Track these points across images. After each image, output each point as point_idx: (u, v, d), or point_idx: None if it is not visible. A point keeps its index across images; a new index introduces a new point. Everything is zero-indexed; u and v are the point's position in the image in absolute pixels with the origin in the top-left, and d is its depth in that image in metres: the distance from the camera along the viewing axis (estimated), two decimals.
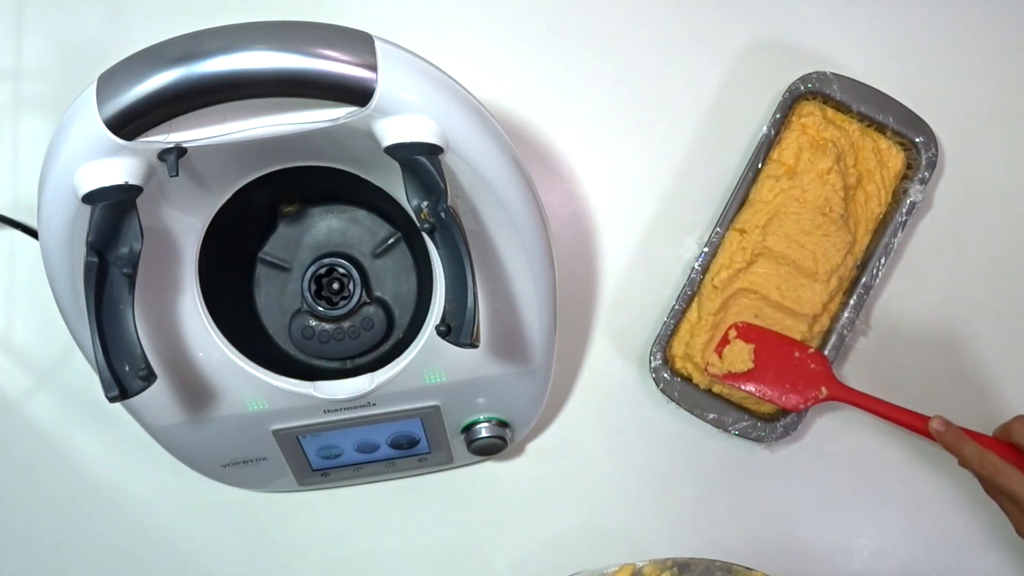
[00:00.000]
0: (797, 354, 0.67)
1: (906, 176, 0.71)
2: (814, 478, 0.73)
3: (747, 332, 0.67)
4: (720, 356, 0.67)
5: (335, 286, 0.64)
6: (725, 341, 0.68)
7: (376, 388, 0.59)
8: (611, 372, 0.73)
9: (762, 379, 0.67)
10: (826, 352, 0.70)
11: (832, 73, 0.71)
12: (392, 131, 0.48)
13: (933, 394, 0.73)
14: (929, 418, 0.63)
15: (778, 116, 0.71)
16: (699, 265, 0.70)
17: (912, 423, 0.64)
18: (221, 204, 0.57)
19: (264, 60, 0.45)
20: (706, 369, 0.68)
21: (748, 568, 0.38)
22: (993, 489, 0.60)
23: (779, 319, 0.69)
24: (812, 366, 0.66)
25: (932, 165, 0.71)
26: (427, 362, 0.59)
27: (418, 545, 0.72)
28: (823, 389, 0.66)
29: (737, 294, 0.70)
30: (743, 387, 0.67)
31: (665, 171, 0.74)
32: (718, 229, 0.70)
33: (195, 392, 0.59)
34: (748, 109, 0.73)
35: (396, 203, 0.59)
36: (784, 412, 0.70)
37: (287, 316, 0.64)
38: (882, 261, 0.70)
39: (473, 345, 0.48)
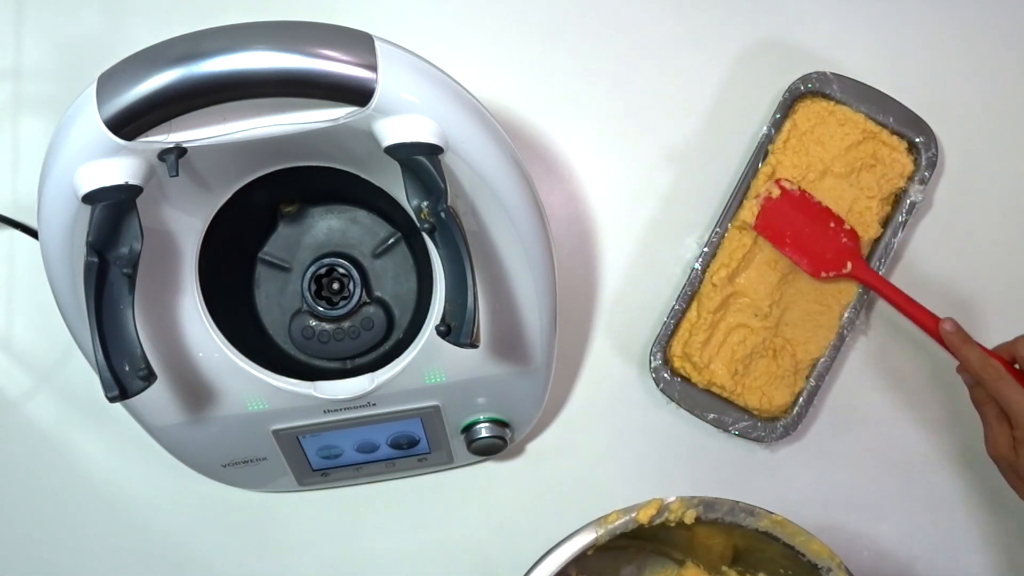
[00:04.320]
0: (832, 224, 0.67)
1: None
2: (814, 478, 0.73)
3: (788, 194, 0.67)
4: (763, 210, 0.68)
5: (335, 286, 0.64)
6: (769, 197, 0.68)
7: (376, 388, 0.59)
8: (611, 372, 0.73)
9: (794, 241, 0.67)
10: (826, 351, 0.70)
11: (832, 73, 0.71)
12: (392, 131, 0.48)
13: (933, 393, 0.73)
14: (941, 319, 0.64)
15: (778, 116, 0.71)
16: (699, 265, 0.70)
17: (924, 320, 0.65)
18: (221, 204, 0.57)
19: (264, 60, 0.45)
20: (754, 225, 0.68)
21: (769, 511, 0.40)
22: (983, 397, 0.61)
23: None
24: (843, 240, 0.67)
25: (932, 165, 0.71)
26: (427, 362, 0.59)
27: (418, 545, 0.72)
28: (848, 264, 0.66)
29: (736, 293, 0.70)
30: (775, 244, 0.67)
31: (665, 171, 0.74)
32: (718, 229, 0.70)
33: (195, 392, 0.59)
34: (748, 109, 0.73)
35: (396, 203, 0.59)
36: (784, 412, 0.70)
37: (287, 316, 0.64)
38: (882, 261, 0.70)
39: (473, 345, 0.48)
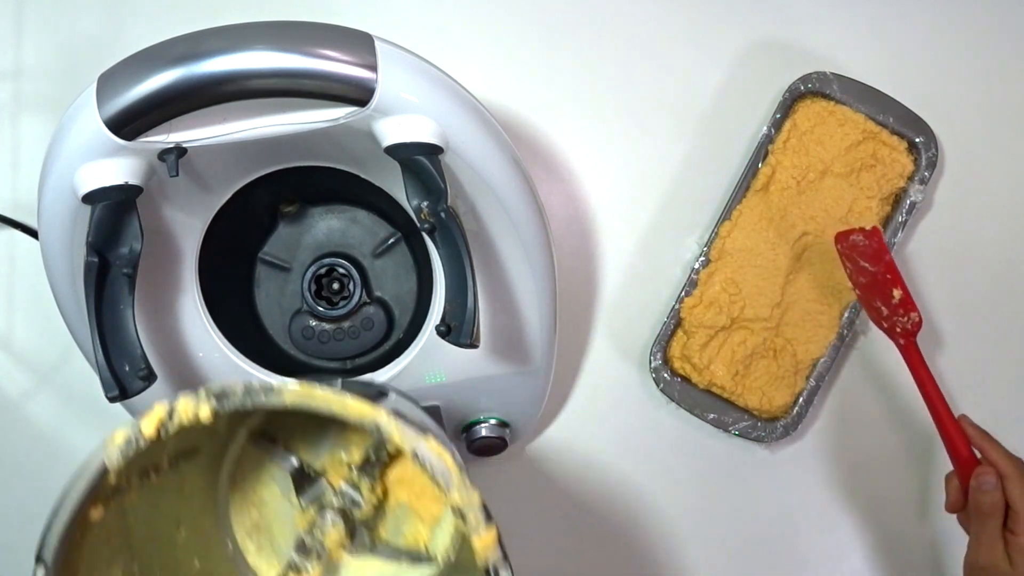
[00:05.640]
0: (897, 295, 0.64)
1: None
2: (814, 478, 0.73)
3: (876, 235, 0.63)
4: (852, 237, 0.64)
5: (335, 286, 0.64)
6: (853, 232, 0.64)
7: None
8: (611, 372, 0.73)
9: (865, 285, 0.65)
10: (826, 351, 0.70)
11: (832, 73, 0.71)
12: (392, 131, 0.48)
13: None
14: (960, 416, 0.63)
15: (778, 116, 0.71)
16: (699, 265, 0.70)
17: (946, 420, 0.62)
18: (221, 204, 0.57)
19: (264, 60, 0.45)
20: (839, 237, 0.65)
21: (290, 386, 0.35)
22: (989, 507, 0.58)
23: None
24: (903, 317, 0.64)
25: (932, 165, 0.71)
26: (427, 362, 0.59)
27: None
28: (900, 341, 0.64)
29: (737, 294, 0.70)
30: (851, 271, 0.65)
31: (665, 171, 0.74)
32: (718, 229, 0.70)
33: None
34: (748, 109, 0.73)
35: (396, 203, 0.59)
36: (784, 412, 0.70)
37: (287, 316, 0.64)
38: None
39: (473, 345, 0.48)
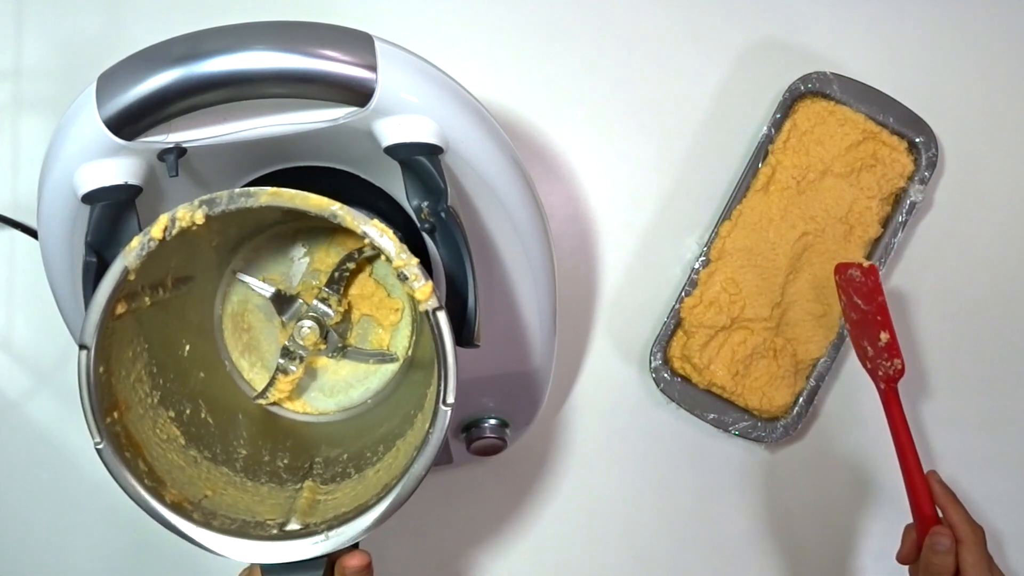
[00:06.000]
0: (883, 339, 0.64)
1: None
2: (814, 478, 0.73)
3: (873, 274, 0.64)
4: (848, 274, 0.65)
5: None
6: (852, 267, 0.65)
7: None
8: (611, 372, 0.73)
9: (856, 322, 0.65)
10: (826, 351, 0.70)
11: (832, 73, 0.71)
12: (392, 131, 0.48)
13: (933, 394, 0.73)
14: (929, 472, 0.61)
15: (778, 116, 0.71)
16: (699, 265, 0.70)
17: (913, 472, 0.61)
18: None
19: (264, 60, 0.45)
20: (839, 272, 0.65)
21: (266, 189, 0.44)
22: (939, 566, 0.57)
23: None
24: (887, 362, 0.63)
25: (932, 165, 0.71)
26: None
27: (417, 545, 0.72)
28: (881, 385, 0.63)
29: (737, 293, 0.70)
30: (845, 304, 0.64)
31: (665, 171, 0.74)
32: (718, 229, 0.70)
33: None
34: (748, 109, 0.73)
35: (396, 203, 0.59)
36: (784, 412, 0.70)
37: None
38: (882, 261, 0.70)
39: (473, 345, 0.48)
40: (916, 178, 0.71)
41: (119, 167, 0.47)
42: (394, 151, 0.48)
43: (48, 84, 0.74)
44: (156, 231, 0.44)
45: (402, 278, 0.44)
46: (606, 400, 0.73)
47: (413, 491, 0.45)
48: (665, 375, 0.70)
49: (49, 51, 0.74)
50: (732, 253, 0.70)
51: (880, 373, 0.63)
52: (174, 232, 0.44)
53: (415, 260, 0.44)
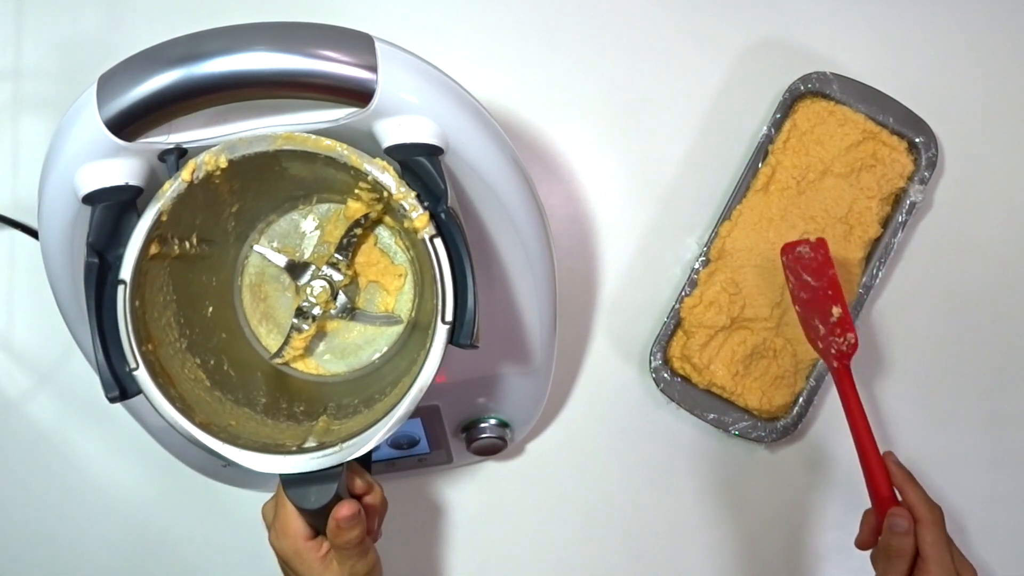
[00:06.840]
0: (836, 313, 0.63)
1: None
2: (814, 478, 0.73)
3: (822, 247, 0.63)
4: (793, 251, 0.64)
5: None
6: (800, 244, 0.64)
7: None
8: (611, 372, 0.73)
9: (805, 301, 0.63)
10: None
11: (832, 73, 0.71)
12: (392, 132, 0.48)
13: (932, 394, 0.73)
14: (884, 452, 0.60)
15: (778, 116, 0.71)
16: (699, 265, 0.70)
17: (869, 452, 0.60)
18: None
19: (264, 61, 0.45)
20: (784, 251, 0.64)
21: (279, 133, 0.48)
22: (901, 549, 0.56)
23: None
24: (839, 337, 0.62)
25: (932, 165, 0.71)
26: None
27: (417, 545, 0.72)
28: (834, 363, 0.62)
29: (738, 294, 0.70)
30: (793, 284, 0.63)
31: (665, 171, 0.74)
32: (718, 229, 0.70)
33: None
34: (748, 109, 0.73)
35: None
36: (784, 412, 0.70)
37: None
38: (882, 261, 0.70)
39: (473, 345, 0.48)
40: (916, 178, 0.71)
41: (120, 168, 0.47)
42: (394, 152, 0.48)
43: (48, 84, 0.74)
44: (185, 174, 0.47)
45: (401, 211, 0.48)
46: (606, 400, 0.73)
47: (417, 403, 0.48)
48: (665, 375, 0.70)
49: (49, 51, 0.74)
50: (732, 253, 0.70)
51: (833, 351, 0.62)
52: (200, 176, 0.47)
53: (413, 192, 0.48)
